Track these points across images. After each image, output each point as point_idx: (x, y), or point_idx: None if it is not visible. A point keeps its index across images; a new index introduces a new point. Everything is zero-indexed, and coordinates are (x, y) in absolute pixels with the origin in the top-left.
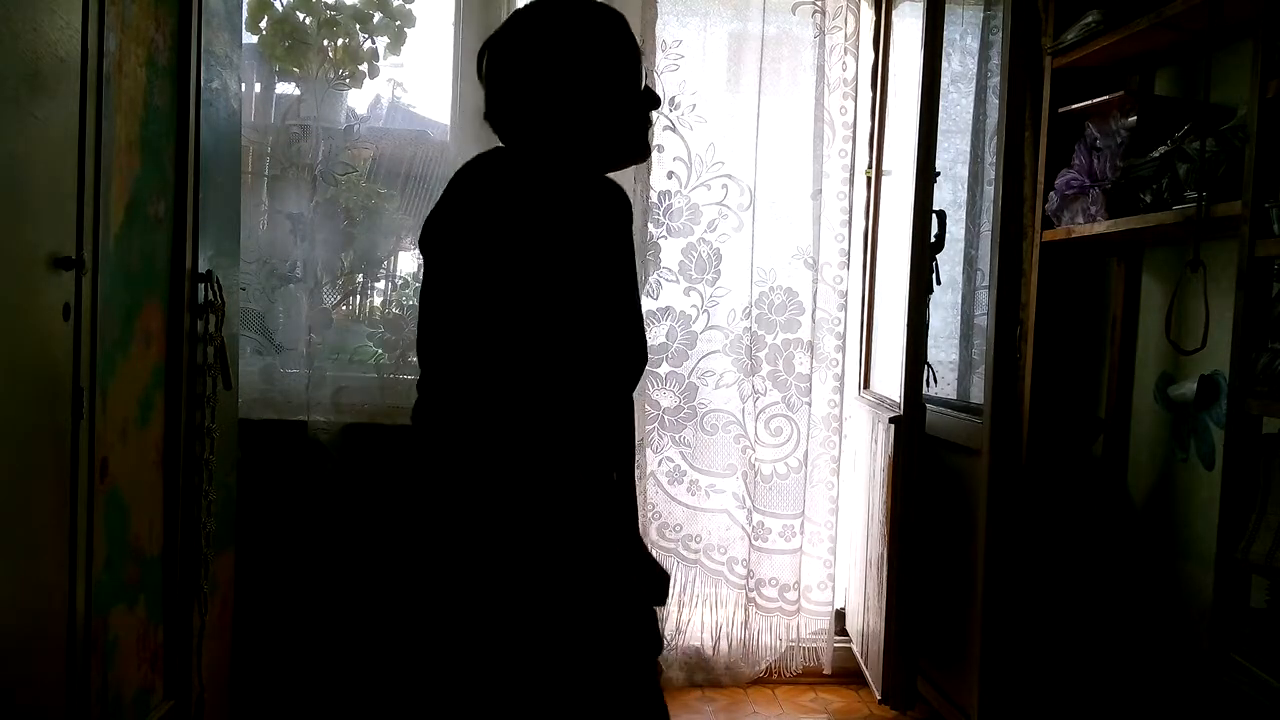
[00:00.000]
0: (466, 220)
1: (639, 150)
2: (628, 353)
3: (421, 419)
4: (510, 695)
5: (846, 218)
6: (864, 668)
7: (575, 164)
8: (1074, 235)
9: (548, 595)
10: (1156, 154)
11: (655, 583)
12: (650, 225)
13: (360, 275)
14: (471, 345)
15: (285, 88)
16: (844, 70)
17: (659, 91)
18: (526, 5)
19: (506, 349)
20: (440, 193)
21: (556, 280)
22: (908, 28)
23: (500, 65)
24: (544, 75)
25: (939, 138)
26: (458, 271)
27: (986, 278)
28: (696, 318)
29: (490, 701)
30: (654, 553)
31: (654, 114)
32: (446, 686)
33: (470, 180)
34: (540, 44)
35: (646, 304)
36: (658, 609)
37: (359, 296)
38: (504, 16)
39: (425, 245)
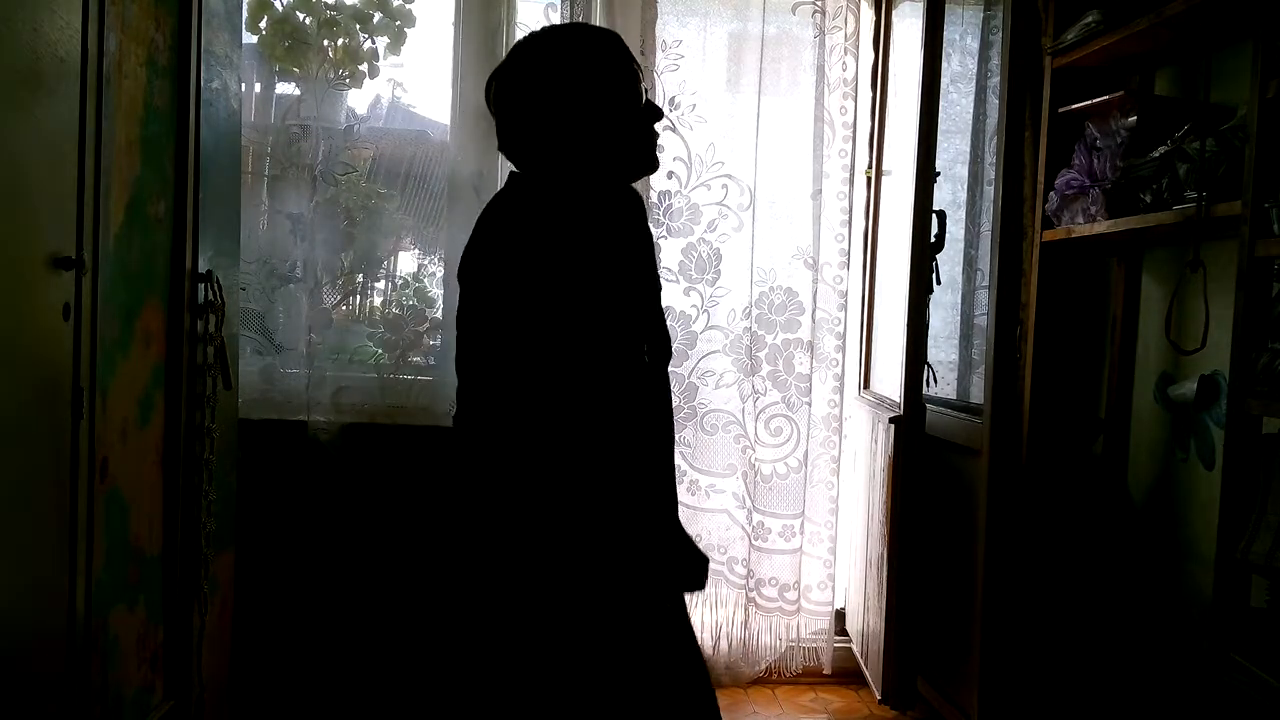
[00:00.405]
0: (497, 251)
1: (648, 162)
2: (656, 347)
3: (466, 429)
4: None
5: (846, 218)
6: (864, 668)
7: (589, 182)
8: (1074, 235)
9: (579, 593)
10: (1156, 154)
11: (693, 567)
12: (650, 225)
13: (360, 275)
14: (512, 361)
15: (285, 88)
16: (844, 70)
17: (659, 92)
18: (527, 35)
19: (546, 361)
20: (441, 192)
21: (585, 292)
22: (908, 28)
23: (508, 96)
24: (550, 102)
25: (939, 138)
26: (496, 298)
27: (986, 278)
28: (696, 318)
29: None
30: None
31: (658, 125)
32: (478, 680)
33: (496, 213)
34: (543, 72)
35: None
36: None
37: (359, 296)
38: (504, 17)
39: (463, 278)
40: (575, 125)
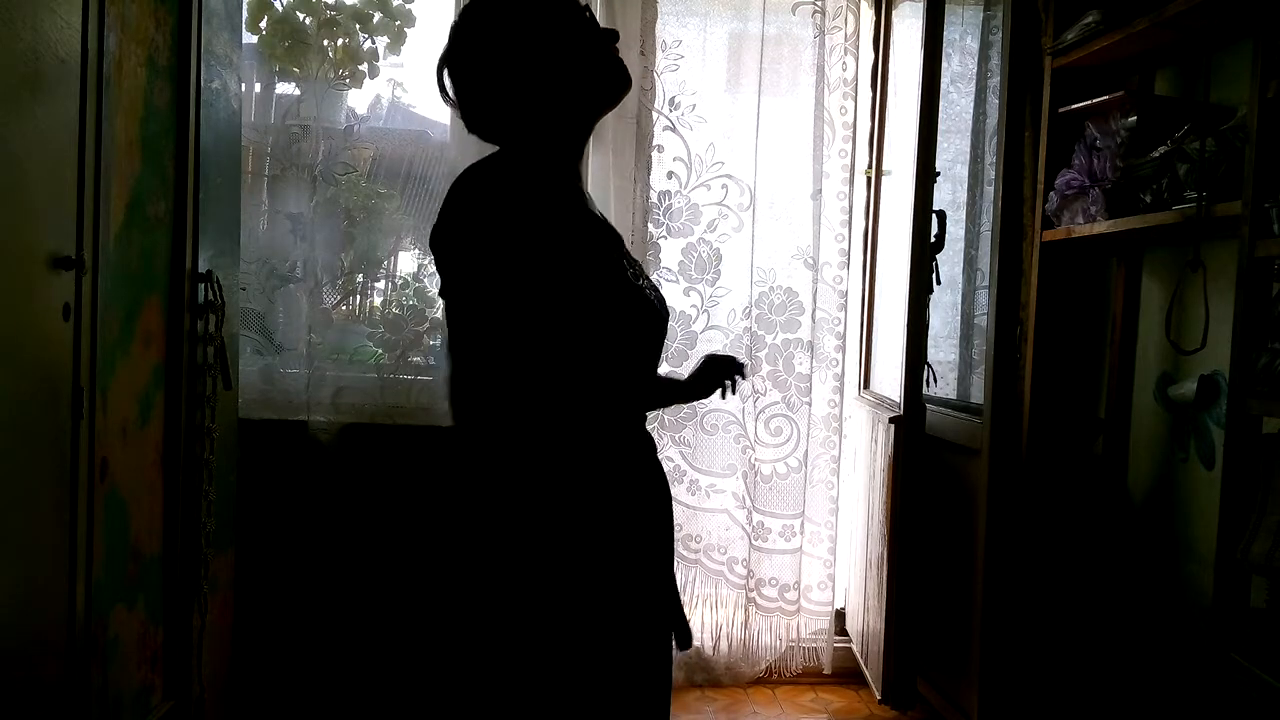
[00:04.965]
0: (462, 226)
1: (618, 82)
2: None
3: (458, 416)
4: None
5: (846, 218)
6: (864, 668)
7: (566, 131)
8: (1074, 235)
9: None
10: (1156, 154)
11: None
12: (650, 225)
13: (360, 275)
14: (491, 343)
15: (285, 88)
16: (844, 70)
17: (659, 92)
18: (461, 12)
19: (525, 342)
20: (441, 192)
21: (556, 270)
22: (908, 28)
23: (463, 73)
24: (504, 63)
25: (939, 138)
26: (464, 276)
27: (986, 278)
28: (696, 318)
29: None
30: None
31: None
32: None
33: (463, 186)
34: (488, 37)
35: None
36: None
37: (359, 296)
38: None
39: (433, 249)
40: (534, 76)
